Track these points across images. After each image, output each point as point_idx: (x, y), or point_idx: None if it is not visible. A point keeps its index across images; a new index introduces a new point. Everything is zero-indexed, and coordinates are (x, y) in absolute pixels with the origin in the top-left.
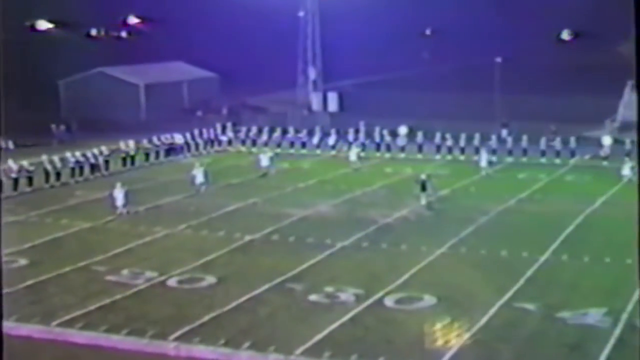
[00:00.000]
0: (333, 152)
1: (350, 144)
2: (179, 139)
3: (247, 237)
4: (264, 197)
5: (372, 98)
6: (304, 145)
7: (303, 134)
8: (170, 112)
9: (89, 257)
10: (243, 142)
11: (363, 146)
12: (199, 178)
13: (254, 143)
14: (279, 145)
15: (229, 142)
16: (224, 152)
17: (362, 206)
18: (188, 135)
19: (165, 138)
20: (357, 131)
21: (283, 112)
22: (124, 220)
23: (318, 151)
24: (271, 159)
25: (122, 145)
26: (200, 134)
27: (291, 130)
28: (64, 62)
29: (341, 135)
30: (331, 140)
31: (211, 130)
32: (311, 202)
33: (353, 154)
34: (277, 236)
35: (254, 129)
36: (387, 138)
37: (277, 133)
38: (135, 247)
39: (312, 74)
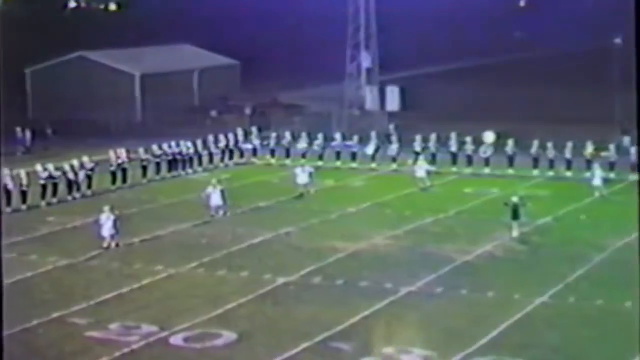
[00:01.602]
0: (394, 166)
1: (416, 154)
2: (187, 147)
3: (279, 280)
4: (301, 226)
5: (446, 93)
6: (354, 156)
7: (353, 142)
8: (175, 112)
9: (64, 306)
10: (272, 152)
11: (434, 157)
12: (215, 199)
13: (287, 153)
14: (320, 157)
15: (254, 152)
16: (248, 165)
17: (433, 238)
18: (199, 143)
19: (169, 146)
20: (425, 138)
21: (326, 112)
22: (112, 256)
23: (373, 164)
24: (310, 174)
25: (111, 155)
26: (216, 141)
27: (337, 136)
28: (32, 43)
29: (405, 143)
30: (391, 149)
31: (230, 136)
32: (364, 233)
33: (421, 168)
34: (318, 278)
35: (287, 135)
36: (468, 147)
37: (319, 140)
38: (128, 292)
39: (365, 61)
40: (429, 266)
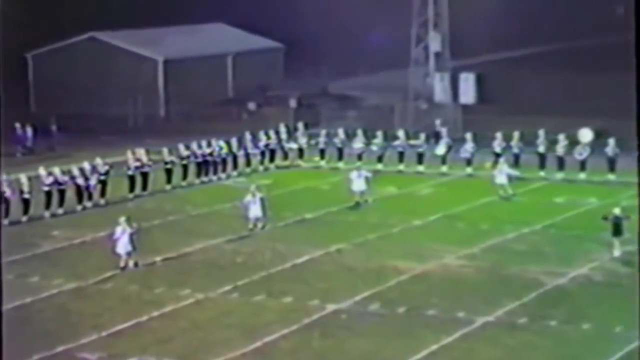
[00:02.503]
0: (468, 170)
1: (496, 156)
2: (219, 147)
3: (329, 307)
4: (355, 242)
5: (532, 82)
6: (421, 158)
7: (420, 141)
8: (205, 105)
9: (72, 338)
10: (322, 153)
11: (517, 160)
12: (254, 210)
13: (340, 154)
14: (380, 159)
15: (300, 153)
16: (293, 168)
17: (516, 258)
18: (234, 142)
19: (198, 146)
20: (507, 136)
21: (387, 106)
22: (130, 278)
23: (444, 168)
24: (367, 179)
25: (128, 156)
26: (254, 139)
27: (401, 134)
28: (34, 22)
29: (482, 143)
30: (465, 150)
31: (272, 134)
32: (433, 251)
33: (501, 172)
34: (376, 305)
35: (340, 132)
36: (559, 147)
37: (378, 139)
38: (148, 322)
39: (434, 43)
40: (511, 292)
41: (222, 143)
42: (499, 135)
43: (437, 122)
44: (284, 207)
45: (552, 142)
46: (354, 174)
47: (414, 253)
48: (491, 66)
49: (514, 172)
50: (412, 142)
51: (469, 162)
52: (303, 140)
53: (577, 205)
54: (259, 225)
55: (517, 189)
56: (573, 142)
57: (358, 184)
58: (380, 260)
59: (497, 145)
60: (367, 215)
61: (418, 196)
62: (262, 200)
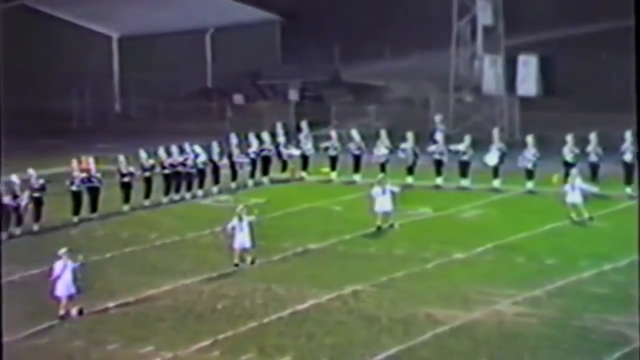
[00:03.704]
0: (529, 185)
1: (567, 166)
2: (195, 154)
3: None
4: (377, 282)
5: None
6: (464, 168)
7: (463, 146)
8: (175, 97)
9: None
10: (333, 162)
11: (595, 171)
12: (240, 239)
13: (357, 164)
14: (410, 170)
15: (304, 162)
16: (294, 182)
17: (593, 304)
18: (215, 148)
19: (167, 153)
20: (581, 139)
21: (419, 98)
22: (73, 330)
23: (496, 182)
24: (394, 197)
25: (73, 166)
26: (242, 144)
27: (438, 136)
28: None
29: (547, 148)
30: (525, 158)
31: (266, 137)
32: (481, 294)
33: (574, 188)
34: None
35: (356, 135)
36: None
37: (408, 143)
38: None
39: (484, 16)
40: (588, 350)
41: (198, 149)
42: (570, 138)
43: (437, 118)
44: (282, 235)
45: None
46: (376, 190)
47: (455, 297)
48: (560, 46)
49: (591, 188)
50: (454, 147)
51: (530, 174)
52: (307, 145)
53: None
54: (248, 258)
55: (595, 211)
56: None
57: (381, 203)
58: (410, 306)
59: (569, 152)
60: (393, 245)
61: (461, 220)
62: (251, 225)
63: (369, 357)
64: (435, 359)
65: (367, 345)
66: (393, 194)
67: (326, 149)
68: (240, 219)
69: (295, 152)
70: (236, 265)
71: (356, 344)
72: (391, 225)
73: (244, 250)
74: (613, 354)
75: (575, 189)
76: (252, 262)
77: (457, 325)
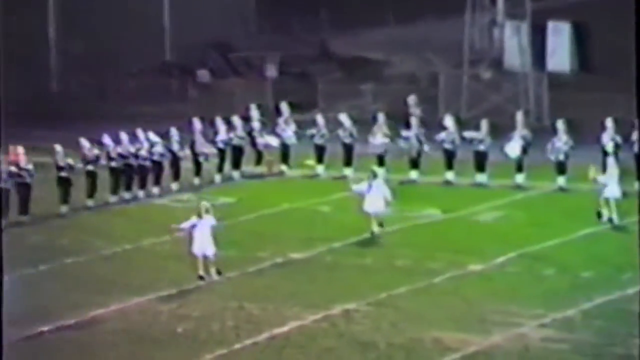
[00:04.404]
0: (560, 180)
1: (606, 156)
2: (150, 143)
3: None
4: (373, 299)
5: None
6: (482, 161)
7: (481, 133)
8: (126, 73)
9: None
10: (320, 153)
11: None
12: (200, 242)
13: (348, 155)
14: (414, 162)
15: (284, 153)
16: (272, 177)
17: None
18: (175, 135)
19: (116, 141)
20: (625, 123)
21: (426, 75)
22: None
23: (520, 177)
24: (386, 195)
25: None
26: (208, 130)
27: (448, 121)
28: None
29: (582, 135)
30: (556, 148)
31: (237, 122)
32: (502, 314)
33: (613, 181)
34: None
35: (346, 120)
36: None
37: (412, 130)
38: None
39: None
40: None
41: (154, 136)
42: (610, 123)
43: (411, 99)
44: (258, 242)
45: None
46: (368, 187)
47: (470, 318)
48: (600, 10)
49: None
50: (469, 135)
51: (561, 167)
52: (288, 132)
53: None
54: (212, 269)
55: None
56: None
57: (373, 202)
58: (415, 329)
59: (609, 140)
60: (394, 254)
61: (477, 224)
62: (213, 229)
63: None
64: None
65: None
66: (386, 191)
67: (311, 136)
68: (200, 217)
69: (273, 140)
70: (201, 278)
71: None
72: (380, 225)
73: (205, 258)
74: None
75: (614, 183)
76: (219, 273)
77: (472, 352)
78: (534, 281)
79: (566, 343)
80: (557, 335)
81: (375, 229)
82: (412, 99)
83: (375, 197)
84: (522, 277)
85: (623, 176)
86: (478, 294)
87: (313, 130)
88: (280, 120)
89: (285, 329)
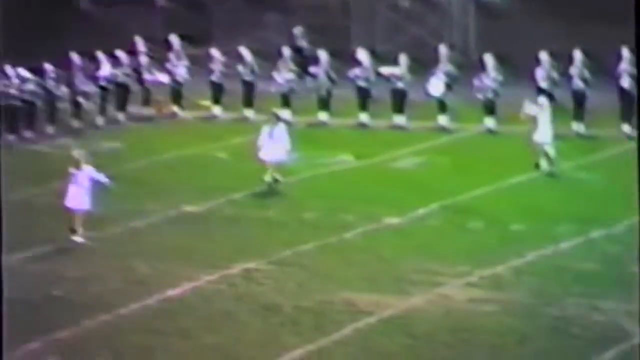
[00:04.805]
0: (489, 122)
1: (541, 94)
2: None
3: None
4: (276, 258)
5: None
6: (400, 100)
7: (400, 68)
8: None
9: None
10: (217, 91)
11: (580, 101)
12: (75, 195)
13: (249, 93)
14: (324, 102)
15: (176, 91)
16: (160, 119)
17: (578, 286)
18: (50, 70)
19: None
20: (565, 59)
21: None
22: None
23: (442, 118)
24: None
25: None
26: (88, 64)
27: (362, 55)
28: None
29: (514, 70)
30: (484, 85)
31: (122, 56)
32: (422, 272)
33: (546, 124)
34: None
35: (247, 54)
36: None
37: (322, 65)
38: None
39: None
40: (570, 347)
41: (24, 72)
42: (546, 57)
43: (297, 30)
44: (146, 193)
45: None
46: (267, 132)
47: (386, 277)
48: None
49: (577, 126)
50: (385, 71)
51: (489, 107)
52: (180, 68)
53: None
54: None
55: (579, 157)
56: None
57: (271, 149)
58: (324, 290)
59: (544, 76)
60: (301, 206)
61: (395, 171)
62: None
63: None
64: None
65: (263, 345)
66: (284, 136)
67: (210, 72)
68: (79, 167)
69: (164, 77)
70: (73, 231)
71: (248, 343)
72: (275, 181)
73: (79, 213)
74: (603, 353)
75: (547, 126)
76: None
77: (388, 315)
78: (459, 235)
79: (494, 304)
80: (484, 295)
81: (268, 178)
82: (298, 30)
83: (275, 143)
84: (445, 231)
85: (558, 116)
86: (395, 251)
87: (211, 66)
88: (171, 55)
89: (178, 291)
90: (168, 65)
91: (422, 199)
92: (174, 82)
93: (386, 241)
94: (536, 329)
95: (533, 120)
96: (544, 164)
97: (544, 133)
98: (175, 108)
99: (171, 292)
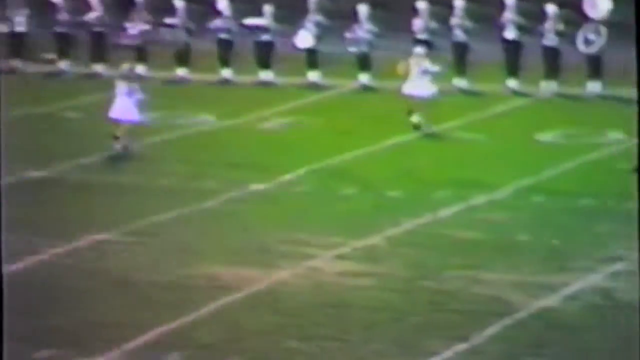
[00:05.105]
0: (363, 78)
1: (419, 44)
2: None
3: None
4: (128, 229)
5: None
6: (265, 52)
7: (264, 18)
8: None
9: None
10: (62, 43)
11: (461, 54)
12: None
13: (98, 44)
14: (182, 56)
15: (16, 41)
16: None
17: (458, 256)
18: None
19: None
20: (446, 6)
21: None
22: None
23: (312, 74)
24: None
25: None
26: None
27: (222, 3)
28: None
29: (391, 21)
30: (357, 37)
31: None
32: (292, 245)
33: (421, 75)
34: None
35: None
36: (550, 29)
37: (179, 15)
38: None
39: None
40: (450, 324)
41: None
42: (423, 5)
43: None
44: None
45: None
46: (120, 89)
47: (250, 248)
48: None
49: (459, 81)
50: (249, 21)
51: (363, 61)
52: (19, 17)
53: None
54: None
55: (459, 115)
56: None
57: (123, 108)
58: (183, 264)
59: (422, 27)
60: (156, 171)
61: (260, 132)
62: None
63: (113, 344)
64: (220, 343)
65: (115, 325)
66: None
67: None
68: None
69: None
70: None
71: (98, 324)
72: (127, 144)
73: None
74: (486, 329)
75: (421, 77)
76: None
77: (254, 291)
78: (330, 202)
79: (369, 277)
80: (357, 268)
81: (121, 140)
82: None
83: (128, 101)
84: (315, 198)
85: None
86: (261, 220)
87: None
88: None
89: (19, 266)
90: (7, 14)
91: (290, 163)
92: (13, 33)
93: (251, 209)
94: (413, 304)
95: (412, 74)
96: (420, 122)
97: (420, 86)
98: (15, 61)
99: (11, 268)
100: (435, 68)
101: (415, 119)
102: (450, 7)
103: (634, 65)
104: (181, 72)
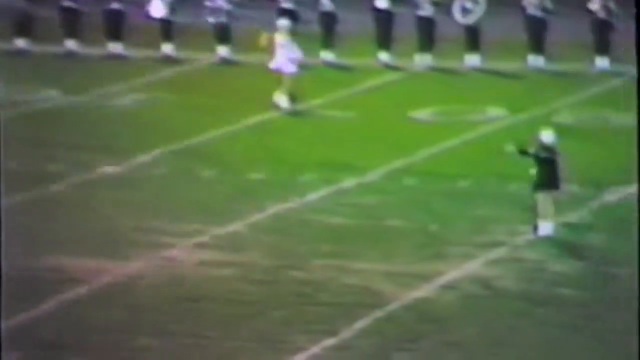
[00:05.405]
0: (222, 50)
1: (285, 16)
2: None
3: None
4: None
5: None
6: (115, 23)
7: None
8: None
9: None
10: None
11: (329, 25)
12: None
13: None
14: (23, 28)
15: None
16: None
17: (325, 245)
18: None
19: None
20: None
21: None
22: None
23: (167, 47)
24: None
25: None
26: None
27: None
28: None
29: None
30: (215, 7)
31: None
32: (145, 233)
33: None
34: None
35: None
36: None
37: None
38: None
39: None
40: (316, 316)
41: None
42: None
43: None
44: None
45: None
46: None
47: (102, 238)
48: None
49: (327, 54)
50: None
51: (222, 32)
52: None
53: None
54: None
55: (327, 91)
56: None
57: None
58: (27, 255)
59: None
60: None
61: (110, 109)
62: None
63: None
64: (65, 341)
65: None
66: None
67: None
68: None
69: None
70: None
71: None
72: None
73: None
74: (356, 322)
75: (287, 50)
76: None
77: (103, 284)
78: (188, 186)
79: (230, 267)
80: (218, 257)
81: None
82: None
83: None
84: (171, 182)
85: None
86: (112, 206)
87: None
88: None
89: None
90: None
91: (144, 143)
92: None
93: (101, 194)
94: (278, 297)
95: (277, 47)
96: (286, 99)
97: (284, 61)
98: None
99: None
100: (297, 53)
101: (279, 95)
102: None
103: (516, 36)
104: (20, 43)
